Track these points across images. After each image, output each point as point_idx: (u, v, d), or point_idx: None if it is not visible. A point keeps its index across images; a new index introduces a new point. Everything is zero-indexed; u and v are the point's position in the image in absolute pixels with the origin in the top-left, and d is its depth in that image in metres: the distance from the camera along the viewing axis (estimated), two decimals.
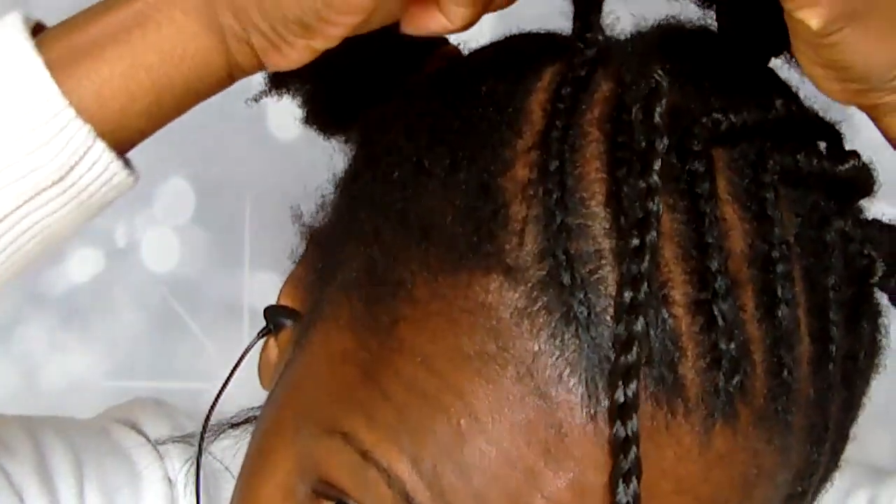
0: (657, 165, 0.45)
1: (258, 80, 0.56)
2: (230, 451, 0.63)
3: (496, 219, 0.47)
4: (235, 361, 0.56)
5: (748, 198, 0.48)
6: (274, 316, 0.55)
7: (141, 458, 0.65)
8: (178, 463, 0.65)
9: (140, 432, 0.66)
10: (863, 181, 0.52)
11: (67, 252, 1.29)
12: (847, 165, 0.50)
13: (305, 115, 0.58)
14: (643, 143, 0.46)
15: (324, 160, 0.57)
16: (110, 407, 0.70)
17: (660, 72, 0.48)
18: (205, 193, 1.29)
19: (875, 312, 0.52)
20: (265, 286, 1.25)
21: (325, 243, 0.54)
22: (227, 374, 0.55)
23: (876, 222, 0.53)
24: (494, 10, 0.47)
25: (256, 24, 0.46)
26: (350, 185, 0.54)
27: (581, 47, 0.50)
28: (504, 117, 0.49)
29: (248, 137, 1.18)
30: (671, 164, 0.47)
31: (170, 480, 0.64)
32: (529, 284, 0.46)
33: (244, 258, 1.29)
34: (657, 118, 0.46)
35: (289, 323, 0.54)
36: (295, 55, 0.47)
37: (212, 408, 0.57)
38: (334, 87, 0.57)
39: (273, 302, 0.56)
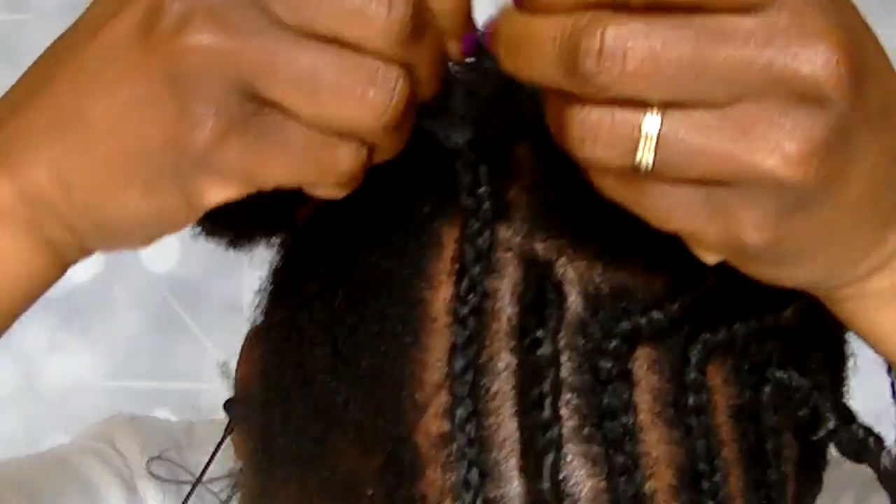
0: (558, 430, 0.42)
1: None
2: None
3: (414, 492, 0.44)
4: (213, 451, 0.55)
5: (675, 412, 0.44)
6: (233, 410, 0.53)
7: (102, 480, 0.65)
8: (143, 473, 0.65)
9: (114, 449, 0.66)
10: (809, 316, 0.46)
11: None
12: (789, 311, 0.46)
13: (201, 231, 0.53)
14: (549, 399, 0.43)
15: None
16: (88, 426, 0.71)
17: (566, 283, 0.44)
18: None
19: (823, 455, 0.49)
20: None
21: (255, 457, 0.50)
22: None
23: (822, 336, 0.48)
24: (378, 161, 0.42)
25: (89, 233, 0.43)
26: (268, 426, 0.49)
27: (473, 208, 0.45)
28: (407, 333, 0.45)
29: None
30: (587, 403, 0.43)
31: (136, 490, 0.65)
32: None
33: (244, 258, 1.30)
34: (557, 373, 0.43)
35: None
36: (132, 247, 0.44)
37: (197, 480, 0.56)
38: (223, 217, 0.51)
39: None
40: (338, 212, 0.43)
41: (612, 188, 0.39)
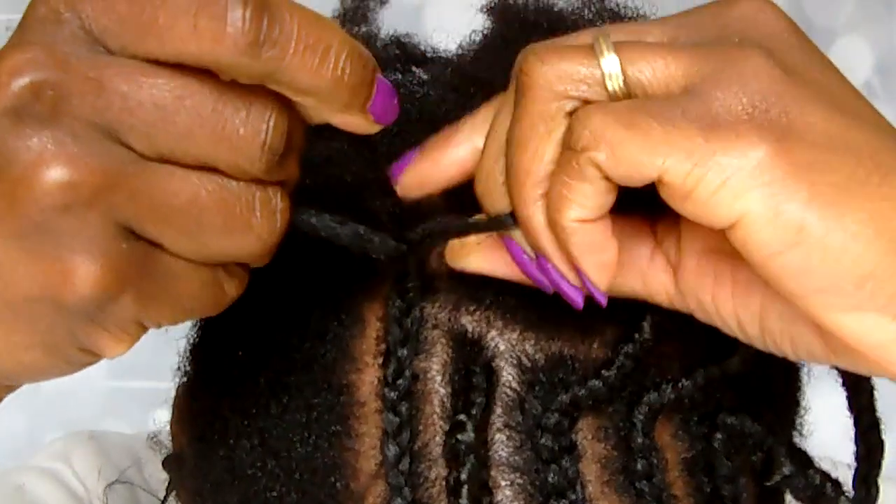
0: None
1: None
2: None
3: None
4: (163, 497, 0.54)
5: (624, 478, 0.43)
6: (172, 468, 0.52)
7: (54, 500, 0.64)
8: (99, 488, 0.64)
9: (72, 471, 0.65)
10: (759, 360, 0.44)
11: None
12: (734, 359, 0.44)
13: None
14: (466, 487, 0.41)
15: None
16: (50, 441, 0.70)
17: (498, 358, 0.42)
18: None
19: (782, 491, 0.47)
20: None
21: None
22: None
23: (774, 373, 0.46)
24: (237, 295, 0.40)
25: (9, 380, 0.40)
26: None
27: (399, 291, 0.43)
28: (335, 421, 0.43)
29: None
30: (532, 482, 0.42)
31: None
32: None
33: None
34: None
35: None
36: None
37: None
38: None
39: None
40: (253, 291, 0.40)
41: (623, 148, 0.35)
